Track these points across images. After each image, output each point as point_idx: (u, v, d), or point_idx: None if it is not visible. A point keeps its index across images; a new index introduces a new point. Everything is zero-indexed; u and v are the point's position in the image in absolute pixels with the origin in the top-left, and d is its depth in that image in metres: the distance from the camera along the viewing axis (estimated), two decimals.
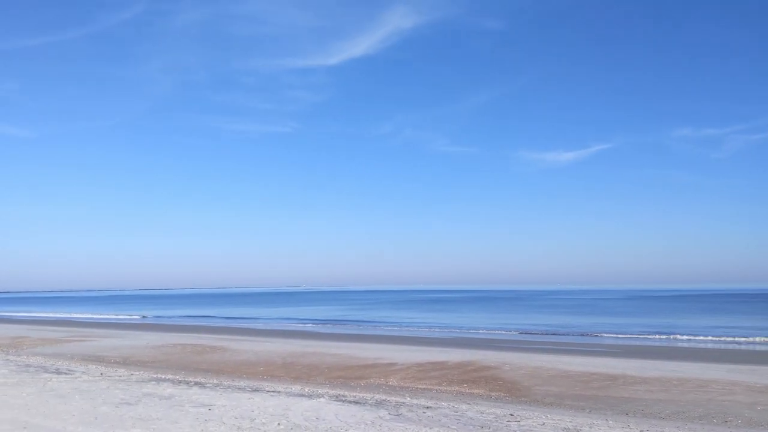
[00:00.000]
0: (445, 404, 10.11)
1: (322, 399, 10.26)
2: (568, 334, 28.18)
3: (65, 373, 13.18)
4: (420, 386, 12.60)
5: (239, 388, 11.51)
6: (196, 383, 12.13)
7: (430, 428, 7.86)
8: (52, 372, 13.41)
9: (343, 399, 10.36)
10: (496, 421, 8.47)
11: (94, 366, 15.03)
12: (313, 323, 37.04)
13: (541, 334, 28.49)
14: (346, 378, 13.64)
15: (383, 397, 10.71)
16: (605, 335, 27.48)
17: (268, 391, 11.10)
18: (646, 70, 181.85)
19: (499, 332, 29.07)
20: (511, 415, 9.05)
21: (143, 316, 47.78)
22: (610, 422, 8.80)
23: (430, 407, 9.65)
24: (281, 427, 7.80)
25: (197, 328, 32.73)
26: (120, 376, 12.95)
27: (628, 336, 27.08)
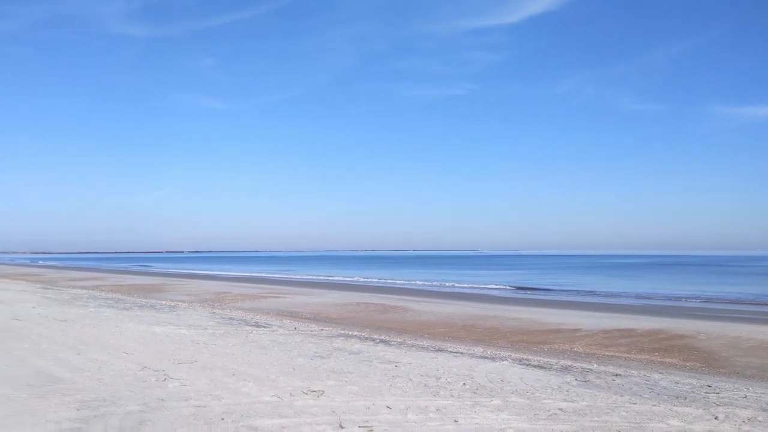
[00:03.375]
0: (635, 372, 9.67)
1: (505, 362, 10.22)
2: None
3: (263, 327, 14.21)
4: (607, 353, 12.16)
5: (422, 348, 11.77)
6: (381, 341, 12.58)
7: (621, 396, 7.56)
8: (252, 325, 14.52)
9: (527, 363, 10.25)
10: (693, 392, 7.96)
11: (288, 321, 16.07)
12: (491, 287, 36.95)
13: (737, 303, 26.33)
14: (528, 342, 13.49)
15: (569, 363, 10.46)
16: None
17: (451, 352, 11.25)
18: None
19: (690, 300, 27.27)
20: (709, 386, 8.47)
21: (329, 277, 50.26)
22: None
23: (620, 375, 9.28)
24: (466, 387, 7.87)
25: (379, 288, 33.91)
26: (311, 331, 13.74)
27: None
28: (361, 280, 44.85)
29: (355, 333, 13.85)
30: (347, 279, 46.00)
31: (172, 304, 20.72)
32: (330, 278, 47.45)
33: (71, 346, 10.19)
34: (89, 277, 43.68)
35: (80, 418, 5.71)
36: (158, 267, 80.00)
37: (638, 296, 29.99)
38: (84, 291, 27.06)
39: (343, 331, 14.04)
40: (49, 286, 30.24)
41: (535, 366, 9.91)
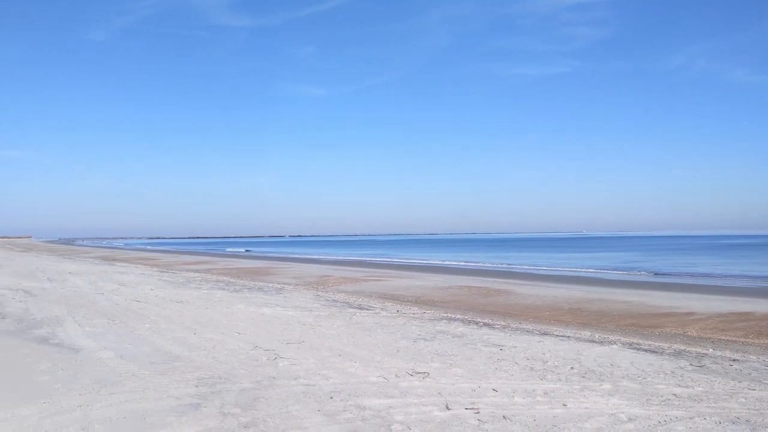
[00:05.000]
0: (753, 358, 9.17)
1: (614, 346, 9.94)
2: None
3: (366, 309, 14.43)
4: (723, 338, 11.59)
5: (527, 331, 11.61)
6: (484, 324, 12.51)
7: (739, 382, 7.20)
8: (355, 307, 14.77)
9: (638, 347, 9.93)
10: None
11: (390, 304, 16.24)
12: (597, 269, 35.92)
13: None
14: (638, 326, 13.04)
15: (682, 347, 10.04)
16: None
17: (557, 336, 11.04)
18: None
19: None
20: None
21: (430, 260, 50.36)
22: None
23: (737, 360, 8.83)
24: (574, 371, 7.71)
25: (481, 271, 33.68)
26: (414, 314, 13.83)
27: None
28: (463, 263, 44.66)
29: (458, 316, 13.83)
30: (448, 262, 45.93)
31: (279, 286, 21.37)
32: (431, 262, 47.52)
33: (187, 326, 10.70)
34: (200, 261, 45.68)
35: (199, 394, 5.99)
36: (263, 251, 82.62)
37: (754, 278, 28.39)
38: (197, 274, 28.34)
39: (445, 315, 14.05)
40: (164, 270, 31.86)
41: (646, 350, 9.59)
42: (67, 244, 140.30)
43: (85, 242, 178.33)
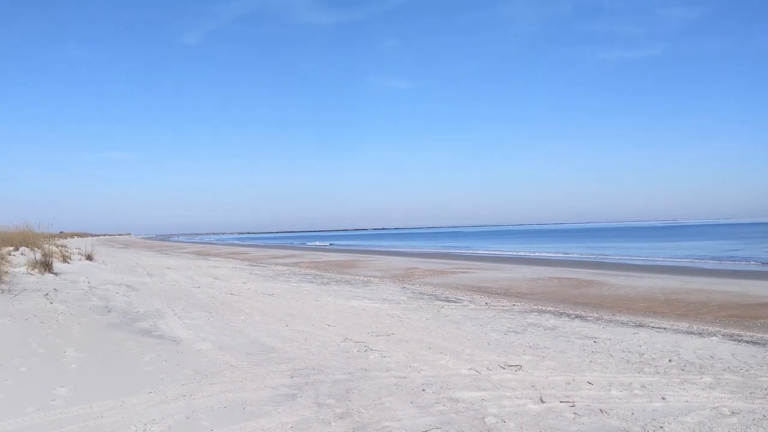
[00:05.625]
0: None
1: (714, 338, 9.54)
2: None
3: (454, 302, 14.39)
4: None
5: (622, 323, 11.30)
6: (577, 316, 12.26)
7: None
8: (443, 300, 14.76)
9: (739, 339, 9.50)
10: None
11: (479, 296, 16.12)
12: (694, 258, 34.49)
13: None
14: (739, 317, 12.46)
15: None
16: None
17: (654, 327, 10.70)
18: None
19: None
20: None
21: (518, 251, 49.69)
22: None
23: None
24: (672, 363, 7.46)
25: (571, 262, 32.97)
26: (503, 306, 13.70)
27: None
28: (551, 254, 43.83)
29: (549, 308, 13.59)
30: (537, 254, 45.17)
31: (365, 279, 21.60)
32: (518, 253, 46.88)
33: (279, 318, 10.97)
34: (287, 255, 46.70)
35: (294, 385, 6.14)
36: (347, 244, 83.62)
37: None
38: (285, 267, 29.00)
39: (536, 307, 13.84)
40: (255, 264, 32.76)
41: (748, 342, 9.17)
42: (163, 240, 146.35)
43: (180, 238, 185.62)
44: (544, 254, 43.68)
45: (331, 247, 74.11)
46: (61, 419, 4.94)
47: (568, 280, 20.98)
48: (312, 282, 19.80)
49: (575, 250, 47.59)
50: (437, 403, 5.65)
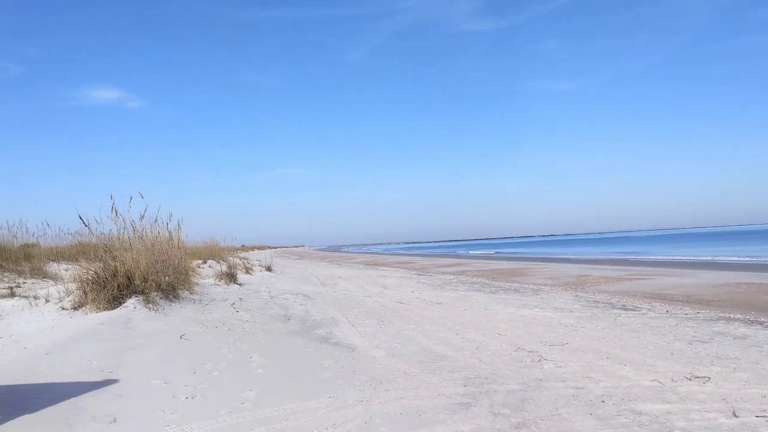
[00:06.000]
0: None
1: None
2: None
3: (631, 310, 13.70)
4: None
5: None
6: None
7: None
8: (619, 308, 14.09)
9: None
10: None
11: (658, 303, 15.23)
12: None
13: None
14: None
15: None
16: None
17: None
18: None
19: None
20: None
21: (697, 256, 46.45)
22: None
23: None
24: None
25: (758, 265, 30.29)
26: (686, 314, 12.84)
27: None
28: (735, 258, 40.50)
29: (738, 316, 12.56)
30: (718, 257, 41.95)
31: (535, 287, 21.14)
32: (698, 258, 43.79)
33: (449, 326, 11.01)
34: (453, 263, 46.82)
35: (467, 394, 6.13)
36: (513, 252, 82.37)
37: None
38: (452, 276, 29.09)
39: (722, 314, 12.84)
40: (422, 273, 33.18)
41: None
42: (334, 251, 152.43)
43: (349, 249, 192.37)
44: (728, 258, 40.42)
45: (496, 255, 73.37)
46: (250, 421, 5.27)
47: (758, 285, 19.26)
48: (480, 291, 19.70)
49: (764, 254, 43.60)
50: (618, 415, 5.39)
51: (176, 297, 12.54)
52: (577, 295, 17.62)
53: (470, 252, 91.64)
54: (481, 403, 5.78)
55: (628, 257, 49.67)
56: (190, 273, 15.02)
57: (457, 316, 12.56)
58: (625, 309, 13.84)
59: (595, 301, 15.73)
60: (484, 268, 36.54)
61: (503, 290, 19.78)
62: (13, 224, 22.54)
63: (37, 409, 5.50)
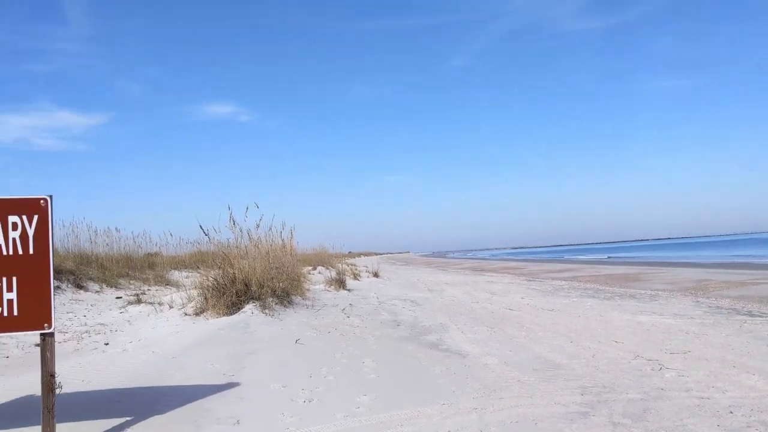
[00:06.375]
0: None
1: None
2: None
3: (758, 316, 12.90)
4: None
5: None
6: None
7: None
8: (744, 314, 13.30)
9: None
10: None
11: None
12: None
13: None
14: None
15: None
16: None
17: None
18: None
19: None
20: None
21: None
22: None
23: None
24: None
25: None
26: None
27: None
28: None
29: None
30: None
31: (652, 293, 20.29)
32: None
33: (562, 334, 10.76)
34: (564, 269, 45.70)
35: (585, 403, 5.97)
36: (626, 256, 79.36)
37: None
38: (563, 282, 28.40)
39: None
40: (531, 279, 32.59)
41: None
42: (439, 256, 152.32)
43: (454, 254, 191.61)
44: None
45: (609, 259, 70.96)
46: (366, 426, 5.36)
47: None
48: (594, 297, 19.13)
49: None
50: (748, 426, 5.10)
51: (290, 302, 12.93)
52: (697, 301, 16.77)
53: (579, 256, 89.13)
54: (600, 413, 5.62)
55: (752, 260, 46.78)
56: (302, 279, 15.45)
57: (571, 323, 12.26)
58: (752, 315, 13.05)
59: (718, 307, 14.92)
60: (597, 274, 35.44)
61: (618, 296, 19.11)
62: (138, 235, 23.95)
63: (167, 411, 5.82)
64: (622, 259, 70.69)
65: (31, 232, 4.80)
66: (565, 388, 6.57)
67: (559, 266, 51.69)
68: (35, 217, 4.82)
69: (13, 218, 4.77)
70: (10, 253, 4.74)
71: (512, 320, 12.74)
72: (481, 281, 29.54)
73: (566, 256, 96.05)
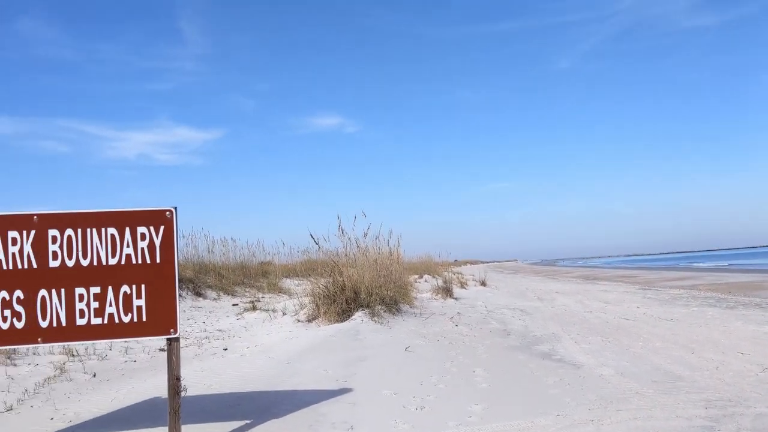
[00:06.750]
0: None
1: None
2: None
3: None
4: None
5: None
6: None
7: None
8: None
9: None
10: None
11: None
12: None
13: None
14: None
15: None
16: None
17: None
18: None
19: None
20: None
21: None
22: None
23: None
24: None
25: None
26: None
27: None
28: None
29: None
30: None
31: None
32: None
33: (682, 344, 10.27)
34: (682, 276, 43.59)
35: (709, 416, 5.67)
36: (751, 263, 74.69)
37: None
38: (682, 291, 27.10)
39: None
40: (647, 287, 31.29)
41: None
42: (548, 265, 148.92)
43: (564, 263, 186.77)
44: None
45: (730, 267, 67.05)
46: None
47: None
48: (715, 306, 18.14)
49: None
50: None
51: (398, 310, 13.04)
52: None
53: (698, 264, 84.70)
54: (727, 427, 5.32)
55: None
56: (409, 287, 15.54)
57: (691, 333, 11.68)
58: None
59: None
60: (718, 282, 33.58)
61: (742, 305, 18.03)
62: (252, 244, 24.90)
63: (284, 414, 6.01)
64: (744, 266, 66.60)
65: (158, 242, 5.09)
66: (687, 401, 6.26)
67: (676, 274, 49.33)
68: (162, 228, 5.10)
69: (141, 229, 5.08)
70: (140, 262, 5.05)
71: (628, 330, 12.28)
72: (593, 290, 28.65)
73: (683, 264, 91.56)
